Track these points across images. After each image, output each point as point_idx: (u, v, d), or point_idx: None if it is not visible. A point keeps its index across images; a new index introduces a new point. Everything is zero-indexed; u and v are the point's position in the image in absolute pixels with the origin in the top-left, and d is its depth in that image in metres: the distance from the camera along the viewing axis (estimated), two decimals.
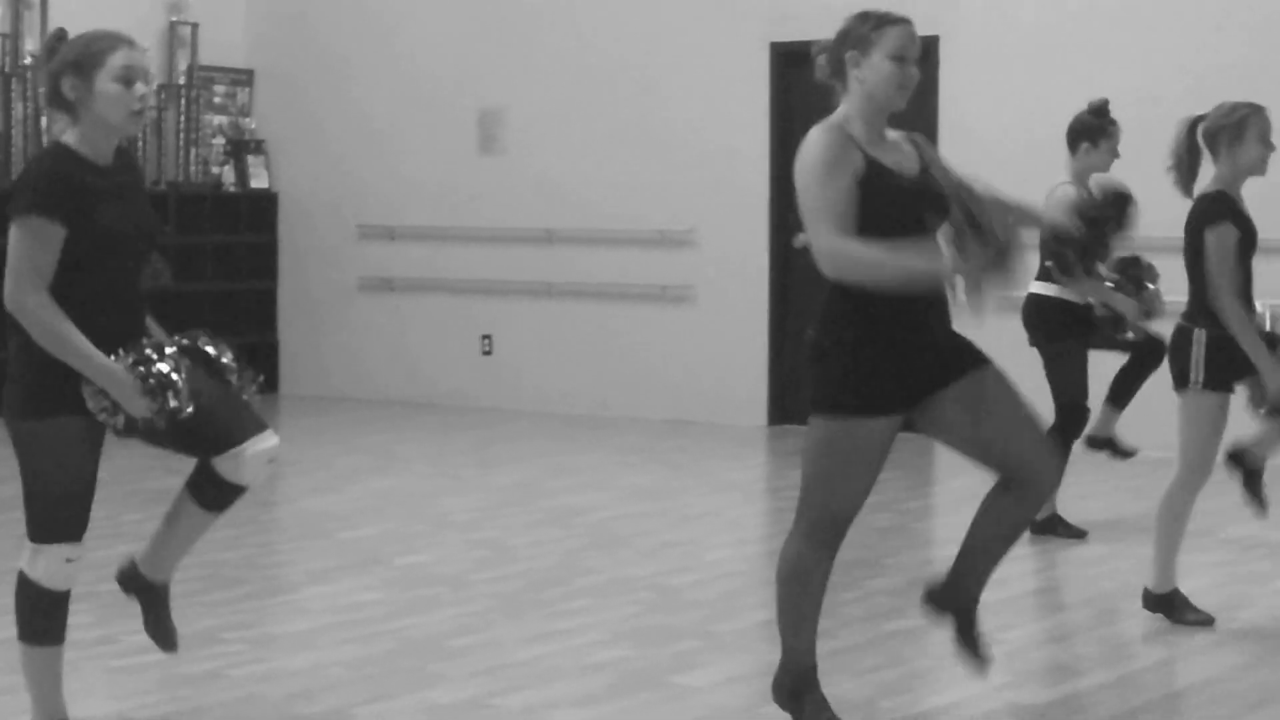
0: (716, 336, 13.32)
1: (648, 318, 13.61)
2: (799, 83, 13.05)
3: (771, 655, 6.93)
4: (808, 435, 5.45)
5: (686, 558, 8.62)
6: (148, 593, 5.66)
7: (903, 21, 5.41)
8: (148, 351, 5.17)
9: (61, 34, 5.44)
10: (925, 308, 5.36)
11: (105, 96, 5.21)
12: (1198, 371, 6.96)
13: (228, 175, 14.76)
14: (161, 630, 5.69)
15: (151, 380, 5.13)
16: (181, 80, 14.43)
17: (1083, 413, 9.03)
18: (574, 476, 11.11)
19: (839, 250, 5.19)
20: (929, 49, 12.46)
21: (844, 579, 8.05)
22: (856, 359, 5.31)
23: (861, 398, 5.32)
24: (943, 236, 5.46)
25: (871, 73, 5.36)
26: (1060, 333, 8.96)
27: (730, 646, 6.96)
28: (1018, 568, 8.46)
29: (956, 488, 10.52)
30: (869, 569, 8.28)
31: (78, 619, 5.88)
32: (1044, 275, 9.09)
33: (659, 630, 7.11)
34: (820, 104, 14.02)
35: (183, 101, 14.37)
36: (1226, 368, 6.98)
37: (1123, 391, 9.27)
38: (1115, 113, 11.88)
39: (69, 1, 13.77)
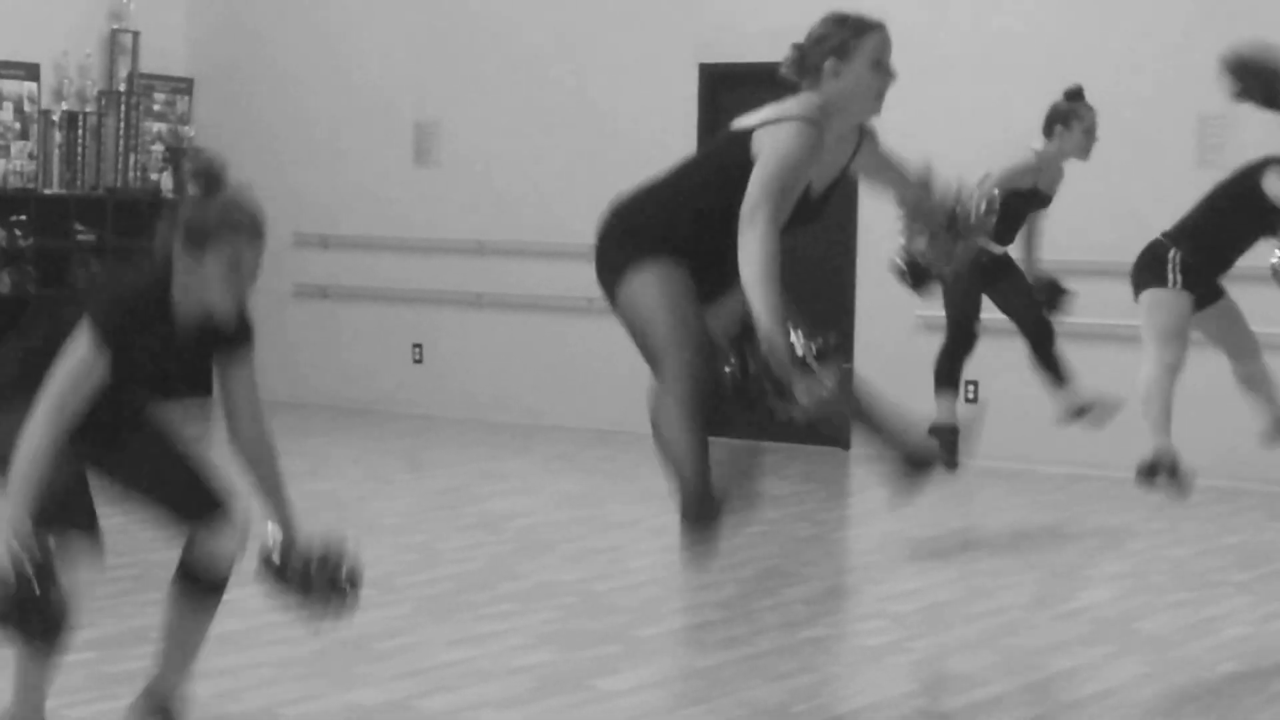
0: None
1: (575, 329, 13.76)
2: (728, 103, 13.24)
3: (689, 660, 7.11)
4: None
5: (610, 564, 8.74)
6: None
7: (880, 27, 5.40)
8: None
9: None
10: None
11: None
12: (1175, 276, 7.50)
13: (166, 182, 14.83)
14: None
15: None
16: (122, 87, 14.51)
17: (970, 335, 9.55)
18: (502, 482, 11.22)
19: (764, 247, 5.18)
20: None
21: (760, 587, 8.27)
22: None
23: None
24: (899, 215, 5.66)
25: (852, 81, 5.35)
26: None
27: (652, 651, 7.06)
28: (926, 579, 8.59)
29: (871, 499, 10.66)
30: (785, 578, 8.46)
31: None
32: None
33: (582, 634, 7.21)
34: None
35: (123, 108, 14.46)
36: (1194, 286, 7.96)
37: (1048, 364, 9.64)
38: (1024, 124, 12.14)
39: (11, 9, 13.86)
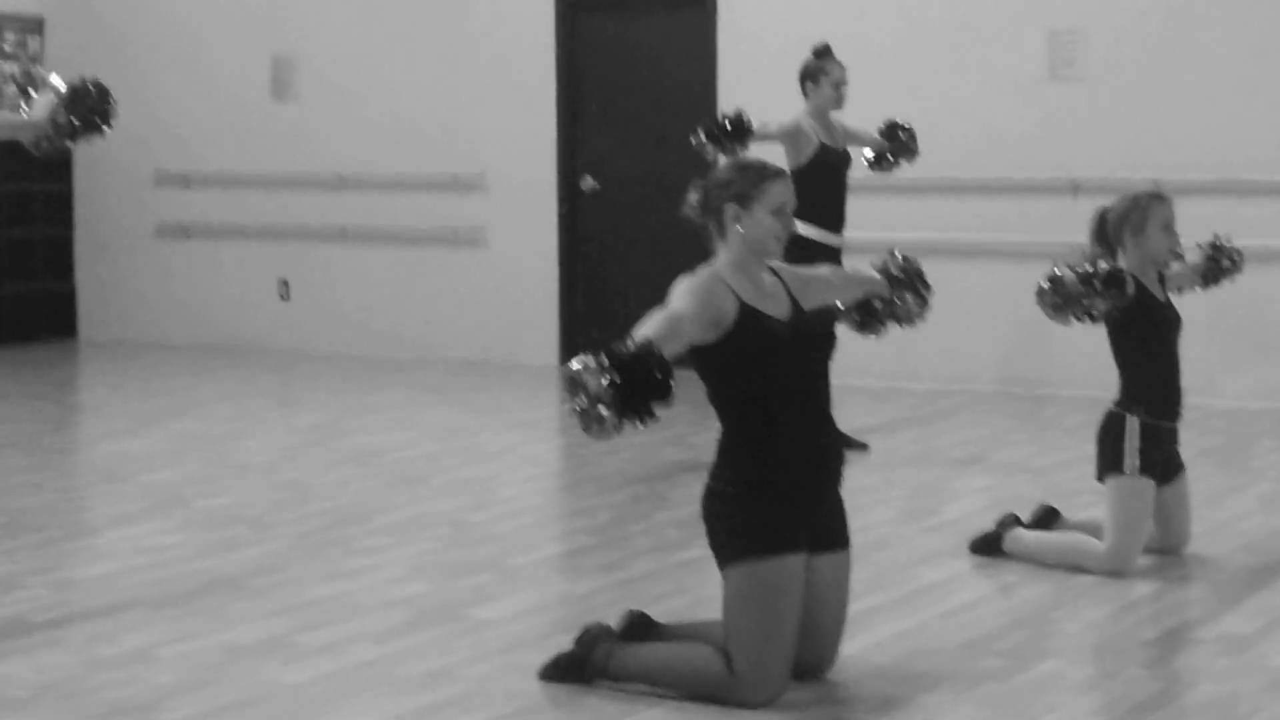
0: (508, 278, 13.51)
1: (441, 260, 13.76)
2: (585, 29, 13.24)
3: (564, 587, 7.17)
4: (729, 589, 5.50)
5: (483, 494, 8.78)
6: None
7: (782, 175, 5.56)
8: None
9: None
10: (820, 459, 5.56)
11: None
12: (1133, 457, 7.01)
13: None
14: None
15: None
16: None
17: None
18: (372, 416, 11.23)
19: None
20: None
21: (633, 511, 8.35)
22: (761, 500, 5.45)
23: (778, 534, 5.43)
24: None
25: (754, 227, 5.49)
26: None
27: (525, 580, 7.12)
28: None
29: None
30: (657, 502, 8.54)
31: None
32: (800, 214, 9.59)
33: (456, 565, 7.26)
34: (606, 52, 14.21)
35: None
36: (1155, 455, 7.08)
37: None
38: (880, 41, 12.26)
39: None
